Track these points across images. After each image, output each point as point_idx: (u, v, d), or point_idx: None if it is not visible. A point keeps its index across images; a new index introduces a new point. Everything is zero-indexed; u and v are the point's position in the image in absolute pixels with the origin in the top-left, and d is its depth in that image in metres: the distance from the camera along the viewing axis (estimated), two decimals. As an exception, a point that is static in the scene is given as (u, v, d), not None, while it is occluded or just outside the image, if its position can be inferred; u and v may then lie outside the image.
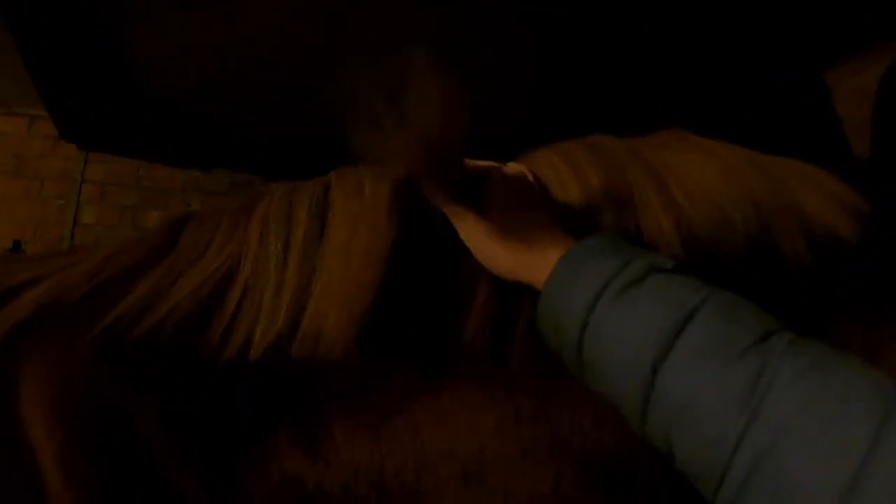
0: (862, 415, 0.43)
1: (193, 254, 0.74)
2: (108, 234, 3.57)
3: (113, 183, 3.66)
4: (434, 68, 0.62)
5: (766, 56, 2.92)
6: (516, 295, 0.68)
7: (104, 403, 0.65)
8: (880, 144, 0.91)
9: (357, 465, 0.65)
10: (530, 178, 0.72)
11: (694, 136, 0.80)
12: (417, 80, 0.63)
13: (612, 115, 3.35)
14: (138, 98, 3.17)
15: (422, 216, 0.72)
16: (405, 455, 0.65)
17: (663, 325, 0.52)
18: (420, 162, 0.67)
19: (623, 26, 2.67)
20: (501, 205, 0.67)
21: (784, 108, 3.30)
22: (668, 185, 0.72)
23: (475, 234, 0.67)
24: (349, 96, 0.59)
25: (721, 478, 0.47)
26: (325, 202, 0.75)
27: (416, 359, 0.68)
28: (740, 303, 0.54)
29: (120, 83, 3.05)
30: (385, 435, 0.65)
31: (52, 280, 0.73)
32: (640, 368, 0.52)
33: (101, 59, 2.86)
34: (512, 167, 0.73)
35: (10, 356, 0.67)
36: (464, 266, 0.70)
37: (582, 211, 0.72)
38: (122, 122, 3.38)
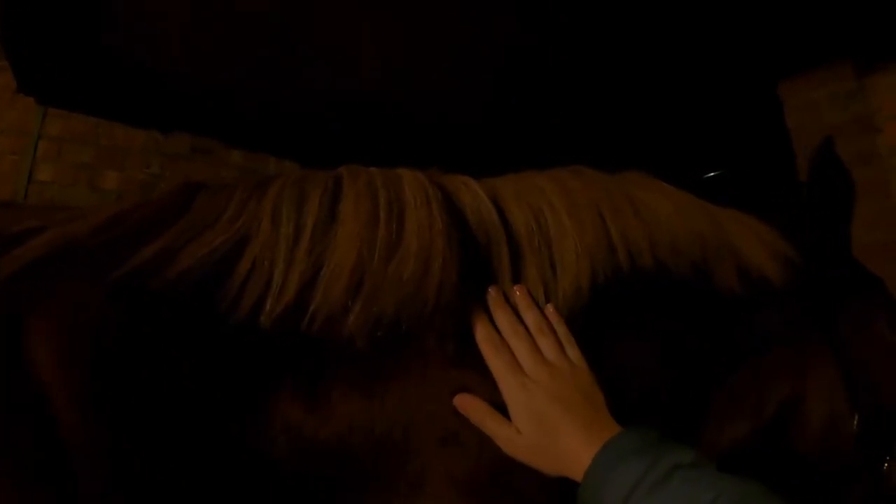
0: None
1: (205, 221, 0.78)
2: (64, 193, 3.49)
3: (71, 140, 3.58)
4: None
5: (722, 68, 3.02)
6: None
7: (119, 346, 0.68)
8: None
9: (351, 420, 0.73)
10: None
11: (654, 179, 0.93)
12: None
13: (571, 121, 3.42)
14: (102, 54, 3.12)
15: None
16: (394, 415, 0.74)
17: None
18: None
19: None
20: (532, 416, 0.75)
21: (737, 116, 3.42)
22: (636, 211, 0.87)
23: (513, 450, 0.74)
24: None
25: None
26: (335, 196, 0.81)
27: (406, 344, 0.77)
28: (750, 495, 0.65)
29: (84, 38, 2.99)
30: (377, 396, 0.74)
31: (59, 229, 0.75)
32: None
33: (68, 12, 2.80)
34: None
35: (19, 296, 0.69)
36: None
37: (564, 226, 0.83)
38: (84, 78, 3.32)
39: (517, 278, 0.81)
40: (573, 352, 0.79)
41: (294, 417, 0.72)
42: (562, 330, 0.80)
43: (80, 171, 3.59)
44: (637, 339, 0.83)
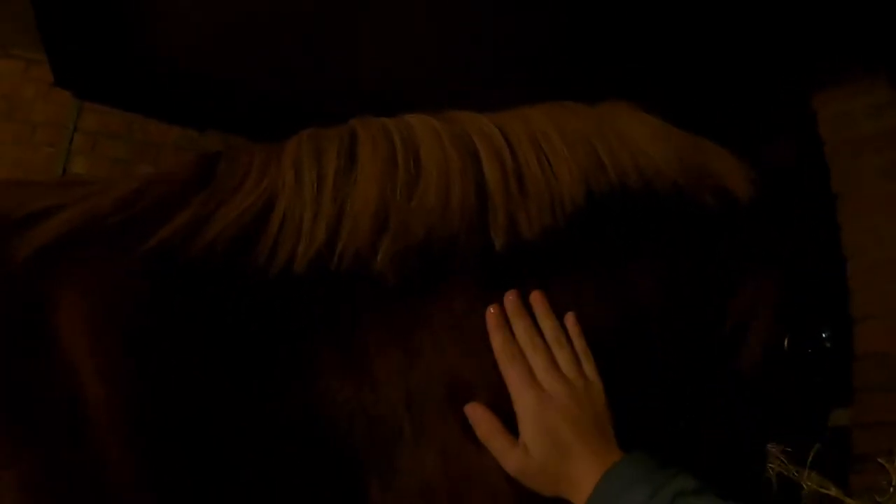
0: None
1: (230, 187, 0.79)
2: (96, 186, 3.53)
3: (105, 134, 3.62)
4: None
5: (758, 78, 2.99)
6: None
7: (149, 318, 0.69)
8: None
9: (389, 381, 0.74)
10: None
11: (635, 109, 0.99)
12: None
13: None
14: (138, 51, 3.15)
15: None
16: (433, 373, 0.76)
17: None
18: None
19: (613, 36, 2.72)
20: (545, 433, 0.74)
21: (773, 127, 3.39)
22: (620, 136, 0.93)
23: (518, 472, 0.74)
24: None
25: None
26: (352, 143, 0.85)
27: (432, 276, 0.80)
28: None
29: (122, 34, 3.03)
30: (415, 356, 0.76)
31: (80, 206, 0.75)
32: None
33: (107, 8, 2.84)
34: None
35: (46, 272, 0.68)
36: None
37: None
38: (120, 74, 3.36)
39: (523, 191, 0.85)
40: (589, 367, 0.79)
41: (335, 384, 0.73)
42: (579, 343, 0.80)
43: (114, 165, 3.63)
44: (634, 261, 0.88)
